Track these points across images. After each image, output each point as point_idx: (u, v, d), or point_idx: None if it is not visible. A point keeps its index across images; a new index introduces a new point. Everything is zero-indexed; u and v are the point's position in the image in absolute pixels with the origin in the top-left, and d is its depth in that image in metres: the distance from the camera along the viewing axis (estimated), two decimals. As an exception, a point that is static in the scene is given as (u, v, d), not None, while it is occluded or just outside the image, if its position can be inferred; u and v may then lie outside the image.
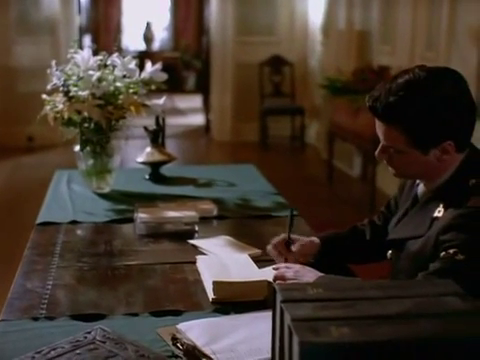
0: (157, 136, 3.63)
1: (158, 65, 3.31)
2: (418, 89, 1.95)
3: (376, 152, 2.10)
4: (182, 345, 1.80)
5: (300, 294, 1.39)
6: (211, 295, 2.15)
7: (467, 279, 1.74)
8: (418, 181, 2.16)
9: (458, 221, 1.90)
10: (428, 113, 1.94)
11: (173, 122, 10.15)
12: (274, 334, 1.44)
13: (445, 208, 1.97)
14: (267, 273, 2.25)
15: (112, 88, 3.16)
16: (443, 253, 1.89)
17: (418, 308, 1.33)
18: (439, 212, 1.98)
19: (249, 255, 2.51)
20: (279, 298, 1.38)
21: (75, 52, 3.21)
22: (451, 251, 1.87)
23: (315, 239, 2.42)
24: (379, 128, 2.04)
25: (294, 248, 2.36)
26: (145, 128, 3.59)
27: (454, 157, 2.02)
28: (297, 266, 2.19)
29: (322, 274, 2.08)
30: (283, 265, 2.24)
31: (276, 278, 2.15)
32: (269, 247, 2.40)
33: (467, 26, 5.68)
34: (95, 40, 13.40)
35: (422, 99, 1.94)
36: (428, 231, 1.98)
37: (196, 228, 2.84)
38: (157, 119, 3.59)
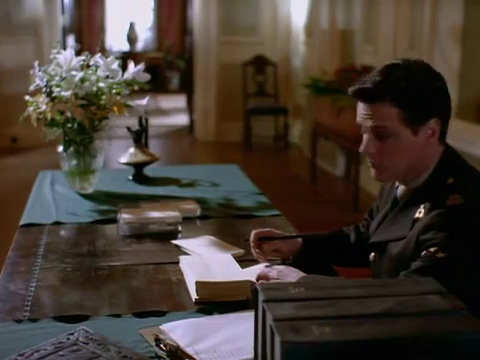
0: (140, 136, 3.62)
1: (141, 66, 3.30)
2: (400, 67, 1.98)
3: (364, 146, 2.04)
4: (165, 346, 1.80)
5: (282, 294, 1.39)
6: (194, 295, 2.15)
7: (448, 277, 1.76)
8: (397, 183, 2.16)
9: (437, 220, 1.91)
10: (415, 84, 1.96)
11: (156, 122, 10.15)
12: (256, 334, 1.45)
13: (425, 209, 1.98)
14: (250, 273, 2.26)
15: (95, 88, 3.16)
16: (424, 252, 1.90)
17: (400, 307, 1.33)
18: (420, 213, 1.99)
19: (232, 255, 2.52)
20: (261, 298, 1.38)
21: (58, 52, 3.20)
22: (432, 250, 1.88)
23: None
24: (366, 112, 1.99)
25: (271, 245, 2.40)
26: (128, 128, 3.58)
27: (435, 149, 2.03)
28: (281, 266, 2.19)
29: (305, 274, 2.08)
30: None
31: (259, 278, 2.15)
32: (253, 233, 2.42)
33: (449, 25, 5.71)
34: (79, 40, 13.36)
35: (407, 74, 1.96)
36: (409, 232, 1.99)
37: (179, 228, 2.84)
38: (140, 119, 3.59)
